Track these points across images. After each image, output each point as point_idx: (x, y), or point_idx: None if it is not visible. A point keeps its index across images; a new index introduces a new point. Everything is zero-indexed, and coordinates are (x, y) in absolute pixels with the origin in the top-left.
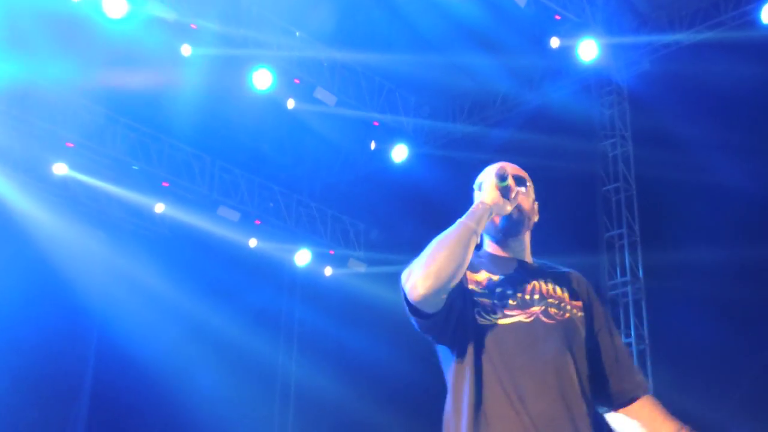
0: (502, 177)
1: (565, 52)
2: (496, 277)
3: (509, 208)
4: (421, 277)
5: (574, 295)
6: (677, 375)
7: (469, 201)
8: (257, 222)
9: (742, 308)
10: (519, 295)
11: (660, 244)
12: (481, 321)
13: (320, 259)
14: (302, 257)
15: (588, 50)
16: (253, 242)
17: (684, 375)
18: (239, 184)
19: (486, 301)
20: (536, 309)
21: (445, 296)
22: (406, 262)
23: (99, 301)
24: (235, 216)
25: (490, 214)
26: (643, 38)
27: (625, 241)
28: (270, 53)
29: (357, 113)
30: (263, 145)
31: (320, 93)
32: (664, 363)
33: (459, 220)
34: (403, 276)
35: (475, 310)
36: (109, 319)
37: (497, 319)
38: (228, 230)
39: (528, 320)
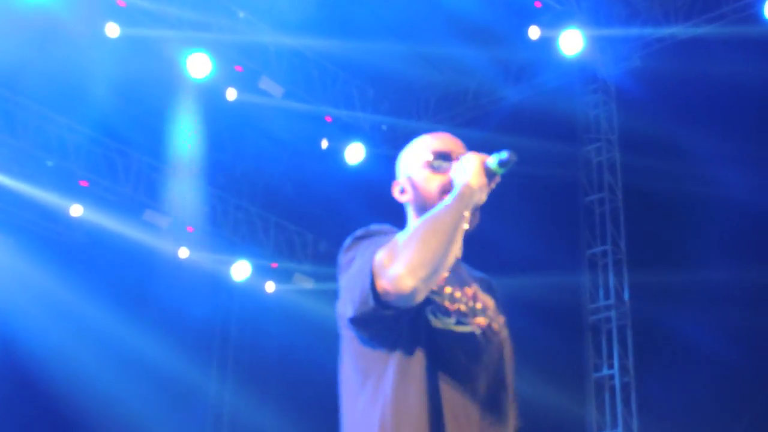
0: (504, 162)
1: (546, 44)
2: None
3: (484, 199)
4: (411, 267)
5: (499, 310)
6: (665, 414)
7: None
8: (189, 229)
9: (744, 334)
10: (465, 300)
11: (649, 263)
12: (434, 323)
13: (261, 272)
14: (240, 270)
15: (572, 42)
16: (184, 252)
17: (672, 414)
18: (169, 185)
19: (437, 299)
20: (482, 321)
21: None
22: None
23: (3, 316)
24: (164, 221)
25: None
26: (634, 31)
27: (610, 259)
28: (209, 36)
29: (307, 107)
30: (199, 140)
31: (265, 83)
32: (650, 400)
33: (448, 204)
34: (379, 258)
35: (429, 308)
36: (15, 336)
37: (451, 324)
38: (155, 238)
39: (478, 333)
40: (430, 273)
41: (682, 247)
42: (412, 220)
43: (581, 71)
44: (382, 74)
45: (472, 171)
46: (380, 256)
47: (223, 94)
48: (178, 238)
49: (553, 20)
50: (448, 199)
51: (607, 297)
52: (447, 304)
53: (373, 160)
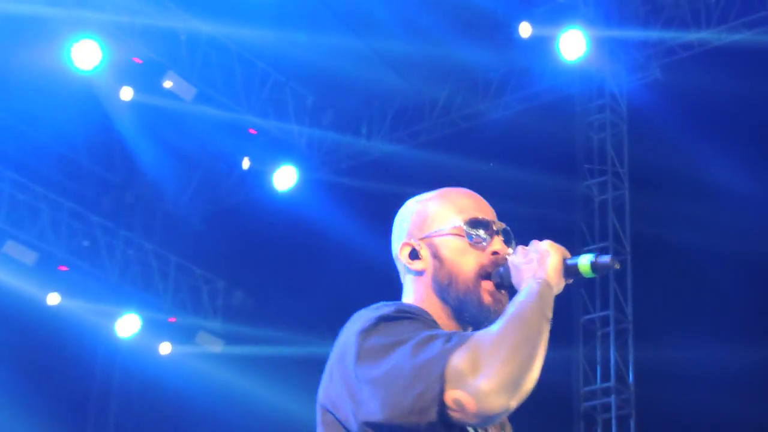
0: (601, 266)
1: (540, 46)
2: None
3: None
4: (504, 383)
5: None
6: None
7: (384, 251)
8: (62, 268)
9: None
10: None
11: (661, 335)
12: None
13: (154, 328)
14: (127, 325)
15: (573, 45)
16: (54, 298)
17: None
18: (40, 210)
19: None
20: None
21: None
22: (284, 341)
23: None
24: (30, 257)
25: None
26: (654, 34)
27: (611, 329)
28: (99, 17)
29: (226, 114)
30: (79, 152)
31: (172, 81)
32: None
33: (530, 303)
34: (457, 363)
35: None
36: None
37: None
38: (18, 277)
39: None
40: (524, 392)
41: (705, 317)
42: (426, 297)
43: (584, 83)
44: (325, 76)
45: (550, 265)
46: (458, 360)
47: (115, 93)
48: (47, 279)
49: (551, 16)
50: (523, 296)
51: (605, 378)
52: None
53: (308, 186)
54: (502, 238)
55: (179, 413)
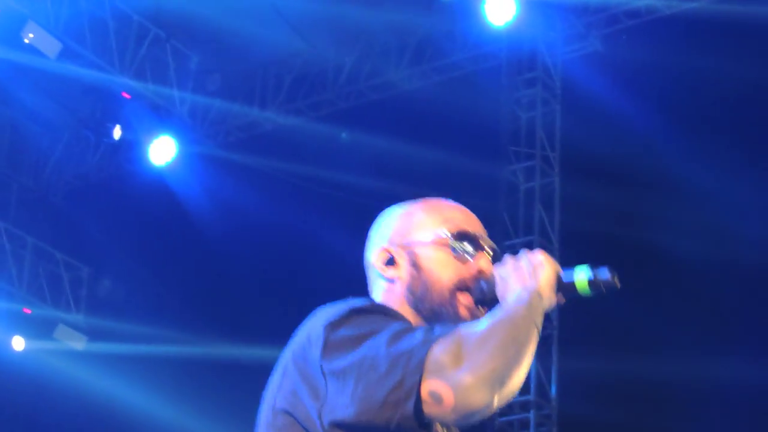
0: (602, 284)
1: (463, 8)
2: None
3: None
4: (488, 377)
5: None
6: None
7: (277, 238)
8: None
9: None
10: None
11: (588, 344)
12: None
13: (6, 320)
14: None
15: (501, 8)
16: None
17: None
18: None
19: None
20: None
21: None
22: (156, 338)
23: None
24: None
25: None
26: None
27: None
28: None
29: (95, 75)
30: None
31: (34, 33)
32: None
33: (519, 310)
34: (438, 355)
35: None
36: None
37: None
38: None
39: None
40: (507, 393)
41: (639, 325)
42: (399, 306)
43: (512, 52)
44: (212, 34)
45: (543, 278)
46: (440, 351)
47: None
48: None
49: None
50: (512, 302)
51: (524, 390)
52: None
53: (189, 161)
54: (490, 258)
55: (33, 418)
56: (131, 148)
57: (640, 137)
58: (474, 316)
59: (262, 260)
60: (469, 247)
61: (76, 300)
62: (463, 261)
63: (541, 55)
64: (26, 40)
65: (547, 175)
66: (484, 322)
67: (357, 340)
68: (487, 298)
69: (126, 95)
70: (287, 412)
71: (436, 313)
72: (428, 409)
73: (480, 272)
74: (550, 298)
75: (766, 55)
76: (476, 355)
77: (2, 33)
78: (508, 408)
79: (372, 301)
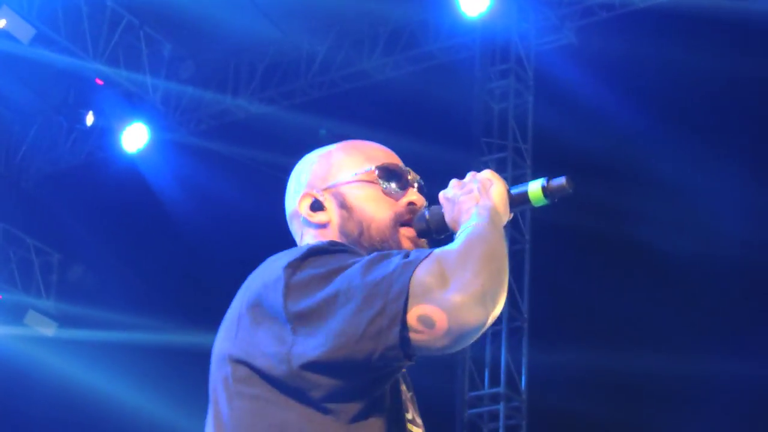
0: (555, 191)
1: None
2: None
3: None
4: (479, 293)
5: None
6: None
7: (247, 224)
8: None
9: None
10: (409, 398)
11: (559, 336)
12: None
13: None
14: None
15: None
16: None
17: None
18: None
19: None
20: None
21: None
22: (128, 325)
23: None
24: None
25: None
26: None
27: (503, 327)
28: None
29: (68, 61)
30: None
31: (6, 19)
32: None
33: (487, 225)
34: (422, 278)
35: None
36: None
37: (409, 422)
38: None
39: None
40: (497, 308)
41: (611, 317)
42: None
43: (486, 43)
44: (186, 21)
45: (495, 193)
46: (422, 275)
47: None
48: None
49: None
50: (473, 220)
51: (494, 383)
52: (404, 391)
53: (161, 148)
54: (417, 190)
55: (2, 403)
56: (104, 134)
57: (613, 130)
58: (418, 249)
59: (233, 248)
60: (396, 182)
61: (46, 286)
62: (393, 195)
63: (515, 47)
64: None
65: (519, 167)
66: (458, 242)
67: (324, 278)
68: (431, 228)
69: (99, 81)
70: (245, 363)
71: (377, 251)
72: (416, 336)
73: (411, 204)
74: (506, 213)
75: (742, 48)
76: (462, 274)
77: (73, 35)
78: (478, 400)
79: (329, 240)
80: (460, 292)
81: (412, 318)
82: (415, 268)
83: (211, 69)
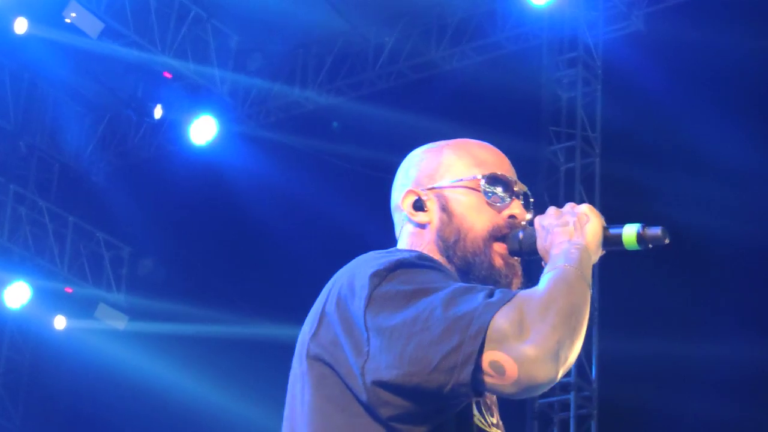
0: (650, 240)
1: None
2: None
3: None
4: (554, 351)
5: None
6: None
7: (319, 217)
8: None
9: None
10: (492, 404)
11: (630, 327)
12: (478, 420)
13: (48, 299)
14: (16, 294)
15: None
16: None
17: None
18: None
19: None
20: None
21: None
22: (197, 318)
23: None
24: None
25: None
26: None
27: None
28: None
29: (136, 54)
30: None
31: (76, 13)
32: None
33: (575, 269)
34: (501, 324)
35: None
36: None
37: (489, 428)
38: None
39: None
40: (569, 363)
41: (683, 308)
42: (428, 253)
43: (553, 32)
44: (253, 13)
45: (590, 231)
46: (503, 319)
47: (9, 25)
48: None
49: None
50: (561, 261)
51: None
52: (488, 400)
53: (230, 141)
54: (522, 202)
55: (74, 396)
56: (172, 127)
57: (681, 118)
58: (509, 266)
59: (301, 239)
60: (502, 192)
61: (116, 279)
62: (497, 208)
63: (583, 35)
64: (68, 20)
65: (588, 155)
66: (542, 287)
67: (408, 297)
68: (523, 249)
69: (167, 75)
70: (325, 363)
71: (468, 263)
72: (487, 379)
73: (513, 218)
74: (596, 253)
75: None
76: (540, 326)
77: (45, 13)
78: (549, 390)
79: (419, 253)
80: (534, 346)
81: (485, 361)
82: (497, 312)
83: (279, 61)
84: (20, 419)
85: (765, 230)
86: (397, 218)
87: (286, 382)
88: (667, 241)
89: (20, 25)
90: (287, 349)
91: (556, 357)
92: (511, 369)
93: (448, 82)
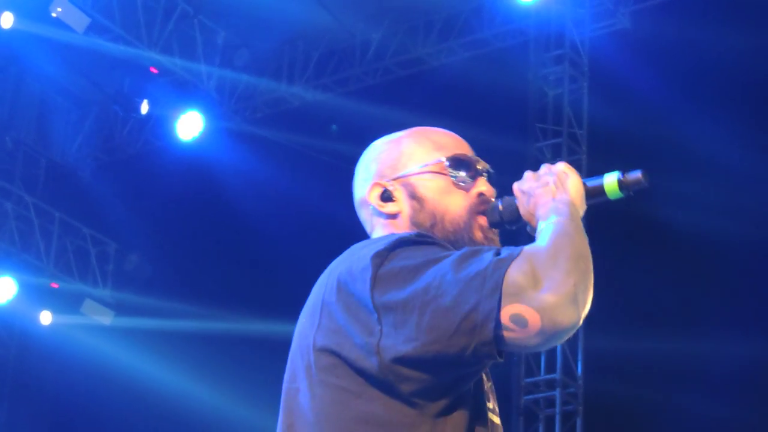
0: (630, 184)
1: None
2: None
3: None
4: (572, 294)
5: None
6: None
7: (302, 212)
8: None
9: None
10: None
11: (616, 323)
12: (489, 402)
13: (34, 295)
14: (2, 290)
15: None
16: None
17: None
18: None
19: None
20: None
21: None
22: (184, 314)
23: None
24: None
25: None
26: None
27: None
28: None
29: (123, 50)
30: None
31: (62, 7)
32: None
33: (569, 222)
34: (515, 277)
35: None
36: None
37: (490, 410)
38: None
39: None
40: (587, 306)
41: (668, 305)
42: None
43: (540, 29)
44: (240, 9)
45: (572, 187)
46: (516, 272)
47: None
48: None
49: None
50: (553, 217)
51: (550, 369)
52: (487, 386)
53: (217, 137)
54: (487, 180)
55: (60, 391)
56: (159, 123)
57: (667, 116)
58: (489, 239)
59: (288, 235)
60: (467, 172)
61: (103, 275)
62: (463, 186)
63: (569, 32)
64: (54, 15)
65: (574, 152)
66: (544, 240)
67: (414, 270)
68: (504, 219)
69: (154, 70)
70: (332, 351)
71: (451, 242)
72: (509, 334)
73: (481, 195)
74: (582, 207)
75: None
76: (553, 273)
77: (31, 7)
78: (534, 386)
79: (417, 231)
80: (553, 293)
81: (504, 316)
82: (509, 267)
83: (266, 57)
84: (5, 414)
85: (750, 226)
86: (365, 214)
87: (272, 378)
88: (646, 183)
89: (6, 20)
90: (274, 345)
91: (575, 300)
92: (534, 319)
93: (435, 78)
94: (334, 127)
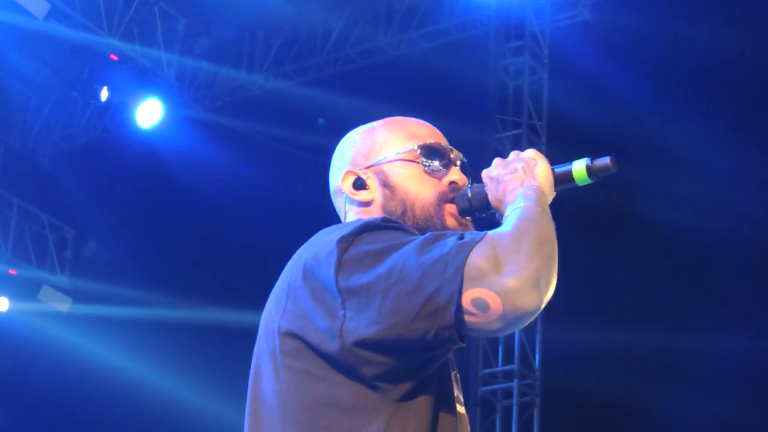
0: (599, 171)
1: None
2: None
3: None
4: (534, 278)
5: None
6: None
7: (262, 200)
8: None
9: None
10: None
11: (574, 314)
12: (455, 390)
13: None
14: None
15: None
16: None
17: None
18: None
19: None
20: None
21: None
22: (142, 301)
23: None
24: None
25: None
26: None
27: None
28: None
29: (83, 36)
30: None
31: None
32: None
33: (536, 207)
34: (476, 262)
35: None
36: None
37: (456, 397)
38: None
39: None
40: (550, 291)
41: (627, 296)
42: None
43: (501, 20)
44: None
45: (540, 173)
46: (478, 256)
47: None
48: None
49: None
50: (521, 202)
51: (508, 360)
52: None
53: (176, 124)
54: (459, 168)
55: (17, 378)
56: (118, 110)
57: (628, 107)
58: (462, 225)
59: (248, 224)
60: (439, 160)
61: (61, 262)
62: (436, 174)
63: (530, 23)
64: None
65: (534, 144)
66: (509, 225)
67: (379, 254)
68: (473, 206)
69: (114, 57)
70: (296, 335)
71: (420, 229)
72: (471, 318)
73: (453, 184)
74: (551, 193)
75: (758, 22)
76: (516, 258)
77: (88, 11)
78: (491, 377)
79: (383, 216)
80: (514, 277)
81: (466, 300)
82: (471, 251)
83: (226, 45)
84: None
85: (716, 215)
86: (339, 203)
87: (229, 366)
88: (615, 170)
89: None
90: (231, 333)
91: (537, 284)
92: (495, 303)
93: (396, 68)
94: (321, 120)
